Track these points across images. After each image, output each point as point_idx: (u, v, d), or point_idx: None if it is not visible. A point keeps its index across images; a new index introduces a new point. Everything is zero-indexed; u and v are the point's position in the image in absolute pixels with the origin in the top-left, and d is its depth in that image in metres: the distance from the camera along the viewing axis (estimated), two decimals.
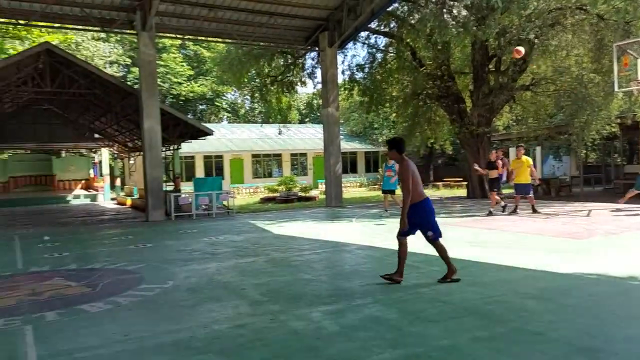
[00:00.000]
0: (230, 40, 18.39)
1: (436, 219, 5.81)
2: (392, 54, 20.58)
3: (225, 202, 16.38)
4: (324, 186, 21.02)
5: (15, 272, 7.46)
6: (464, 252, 7.30)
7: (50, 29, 21.63)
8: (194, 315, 4.78)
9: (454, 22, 16.02)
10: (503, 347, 3.69)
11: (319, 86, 19.83)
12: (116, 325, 4.54)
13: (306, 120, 49.70)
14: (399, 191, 7.63)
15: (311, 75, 21.99)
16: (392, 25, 19.84)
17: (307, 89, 33.69)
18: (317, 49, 18.61)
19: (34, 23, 15.62)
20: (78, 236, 11.87)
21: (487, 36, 14.62)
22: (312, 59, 21.40)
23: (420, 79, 18.45)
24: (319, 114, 33.05)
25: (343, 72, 21.60)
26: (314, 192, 24.39)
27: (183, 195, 15.71)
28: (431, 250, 5.96)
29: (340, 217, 14.05)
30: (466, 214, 13.13)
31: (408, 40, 18.66)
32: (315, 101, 24.55)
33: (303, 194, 22.49)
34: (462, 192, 22.26)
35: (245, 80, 22.01)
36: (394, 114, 25.42)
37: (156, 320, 4.70)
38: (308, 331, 4.21)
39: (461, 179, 27.14)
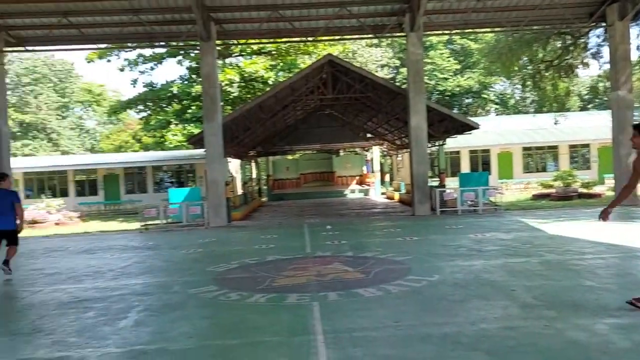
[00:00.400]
0: (499, 29, 17.62)
1: None
2: None
3: (492, 198, 15.78)
4: (612, 181, 18.21)
5: (305, 255, 8.70)
6: None
7: (331, 42, 24.46)
8: (461, 311, 4.75)
9: None
10: None
11: (606, 67, 17.28)
12: (387, 311, 4.85)
13: (589, 106, 43.90)
14: None
15: (596, 55, 19.37)
16: None
17: (590, 71, 29.70)
18: (603, 24, 16.23)
19: (319, 38, 17.91)
20: (353, 227, 13.11)
21: None
22: (598, 37, 18.77)
23: None
24: (605, 99, 28.77)
25: (638, 48, 18.32)
26: (598, 189, 21.35)
27: (448, 191, 15.75)
28: None
29: (635, 218, 11.97)
30: None
31: None
32: (601, 84, 21.44)
33: (584, 191, 19.91)
34: None
35: (516, 68, 20.76)
36: None
37: (423, 311, 4.84)
38: (591, 344, 3.72)
39: None
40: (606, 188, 22.09)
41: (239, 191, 23.24)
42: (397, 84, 32.13)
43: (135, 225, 16.01)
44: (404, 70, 37.49)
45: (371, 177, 30.13)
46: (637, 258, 7.05)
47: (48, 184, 30.65)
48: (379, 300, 5.32)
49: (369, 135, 27.39)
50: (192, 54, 26.00)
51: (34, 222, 19.82)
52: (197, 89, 24.33)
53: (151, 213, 15.28)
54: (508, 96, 47.31)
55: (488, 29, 18.97)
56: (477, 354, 3.65)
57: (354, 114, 25.24)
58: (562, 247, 8.09)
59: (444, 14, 16.15)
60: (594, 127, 31.07)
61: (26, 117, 48.58)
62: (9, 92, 31.88)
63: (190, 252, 9.84)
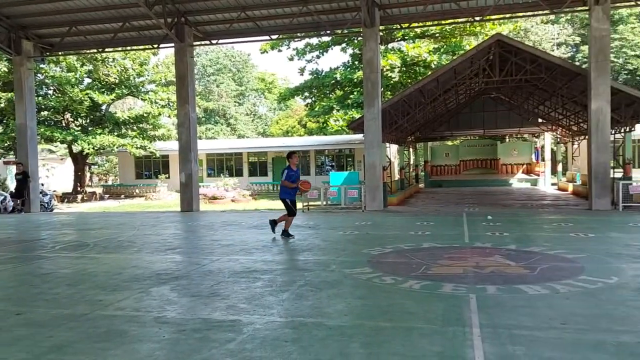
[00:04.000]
0: None
1: None
2: None
3: None
4: None
5: (463, 245, 8.42)
6: None
7: (501, 21, 22.93)
8: None
9: None
10: None
11: None
12: (553, 311, 4.49)
13: None
14: None
15: None
16: None
17: None
18: None
19: (488, 17, 16.90)
20: (518, 218, 12.28)
21: None
22: None
23: None
24: None
25: None
26: None
27: (635, 184, 13.84)
28: None
29: None
30: None
31: None
32: None
33: None
34: None
35: None
36: None
37: (597, 315, 4.37)
38: None
39: None
40: None
41: (396, 176, 23.29)
42: (577, 63, 28.97)
43: (299, 205, 17.08)
44: (585, 48, 33.62)
45: (540, 166, 27.83)
46: None
47: (226, 164, 34.22)
48: (545, 299, 4.93)
49: (539, 120, 25.24)
50: (356, 41, 26.55)
51: (214, 197, 22.37)
52: (358, 75, 24.84)
53: (313, 195, 16.16)
54: None
55: None
56: None
57: (523, 97, 23.48)
58: None
59: None
60: None
61: (210, 104, 54.69)
62: (196, 82, 36.14)
63: (347, 233, 10.20)
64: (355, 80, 25.87)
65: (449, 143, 34.65)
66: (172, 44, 17.27)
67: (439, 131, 27.82)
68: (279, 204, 20.07)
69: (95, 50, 21.55)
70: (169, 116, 32.34)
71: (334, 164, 32.38)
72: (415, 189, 25.06)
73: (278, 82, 60.23)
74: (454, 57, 20.87)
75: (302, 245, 8.76)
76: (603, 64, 13.52)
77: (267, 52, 28.69)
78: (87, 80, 30.59)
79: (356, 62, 27.17)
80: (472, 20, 17.62)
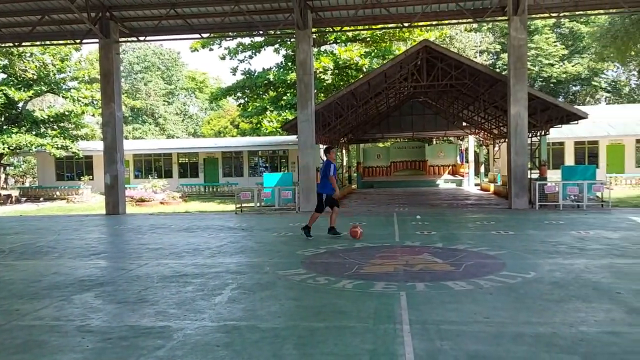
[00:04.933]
0: (615, 10, 16.09)
1: None
2: None
3: (598, 194, 14.63)
4: None
5: (393, 244, 8.65)
6: None
7: (428, 28, 23.81)
8: (558, 312, 4.49)
9: None
10: None
11: None
12: (477, 306, 4.71)
13: None
14: None
15: None
16: None
17: None
18: None
19: (416, 24, 17.49)
20: (444, 218, 12.79)
21: None
22: None
23: None
24: None
25: None
26: None
27: (549, 184, 14.85)
28: None
29: None
30: None
31: None
32: None
33: None
34: None
35: (632, 53, 18.93)
36: None
37: (517, 309, 4.64)
38: None
39: None
40: None
41: None
42: (497, 70, 30.61)
43: (231, 207, 16.84)
44: (504, 55, 35.62)
45: (465, 167, 29.16)
46: None
47: (154, 165, 33.08)
48: (470, 294, 5.17)
49: (464, 123, 26.46)
50: (289, 42, 26.58)
51: (141, 200, 21.55)
52: (292, 76, 24.88)
53: (246, 196, 15.99)
54: (622, 83, 43.31)
55: (602, 11, 17.38)
56: (573, 357, 3.44)
57: (449, 101, 24.50)
58: None
59: None
60: None
61: (137, 102, 52.65)
62: (122, 80, 34.68)
63: (281, 235, 10.19)
64: (288, 81, 25.89)
65: (380, 145, 35.51)
66: (97, 40, 16.49)
67: (370, 133, 28.44)
68: (210, 206, 19.71)
69: (11, 44, 20.13)
70: (93, 115, 30.79)
71: (267, 165, 32.23)
72: (348, 190, 25.45)
73: (209, 81, 59.04)
74: (384, 62, 21.41)
75: (235, 248, 8.64)
76: (521, 72, 14.40)
77: (197, 51, 28.05)
78: (1, 76, 28.49)
79: (289, 64, 27.20)
80: (402, 26, 18.18)
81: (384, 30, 24.66)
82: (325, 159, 9.79)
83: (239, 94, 29.82)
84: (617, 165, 27.81)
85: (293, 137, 21.98)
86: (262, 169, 31.48)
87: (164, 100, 56.83)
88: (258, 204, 15.94)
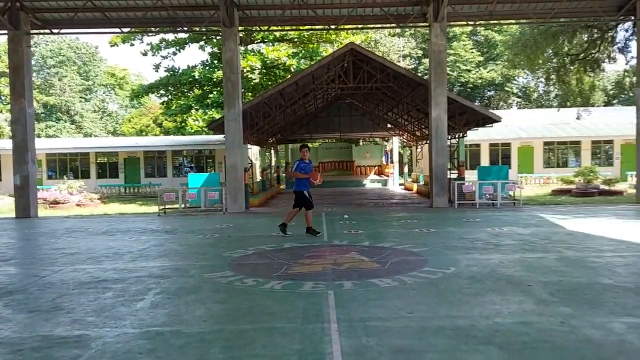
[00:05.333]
0: (525, 21, 17.28)
1: None
2: None
3: (511, 192, 15.61)
4: (634, 179, 17.85)
5: (322, 243, 8.74)
6: None
7: (354, 31, 24.27)
8: (475, 305, 4.74)
9: None
10: None
11: (633, 62, 16.84)
12: (401, 302, 4.86)
13: (614, 102, 42.98)
14: None
15: (624, 50, 18.96)
16: None
17: (616, 66, 29.04)
18: (632, 18, 15.80)
19: (342, 27, 17.78)
20: (371, 217, 13.10)
21: None
22: (626, 31, 18.34)
23: None
24: (631, 95, 28.09)
25: None
26: (621, 186, 20.96)
27: (467, 184, 15.64)
28: None
29: None
30: None
31: None
32: (627, 79, 20.96)
33: (606, 187, 19.59)
34: None
35: (540, 61, 20.39)
36: None
37: (438, 303, 4.84)
38: (607, 342, 3.68)
39: None
40: (628, 185, 21.69)
41: (258, 178, 23.38)
42: (419, 74, 31.81)
43: (154, 208, 16.25)
44: (426, 61, 37.08)
45: (390, 167, 30.03)
46: None
47: (70, 165, 31.21)
48: (394, 290, 5.33)
49: (389, 125, 27.24)
50: (215, 40, 26.07)
51: (55, 202, 20.25)
52: (218, 74, 24.43)
53: (170, 197, 15.48)
54: (531, 89, 46.53)
55: (513, 21, 18.59)
56: (490, 348, 3.64)
57: (375, 103, 25.11)
58: (581, 244, 7.98)
59: (469, 4, 15.90)
60: (618, 123, 30.44)
61: (50, 99, 49.39)
62: (34, 74, 32.38)
63: (207, 237, 9.96)
64: (214, 79, 25.38)
65: (309, 145, 35.78)
66: (5, 31, 15.29)
67: (299, 133, 28.54)
68: (132, 208, 18.88)
69: None
70: (1, 111, 28.50)
71: (193, 165, 31.40)
72: (277, 190, 25.39)
73: (130, 77, 56.62)
74: (312, 63, 21.58)
75: (158, 251, 8.34)
76: (441, 76, 15.07)
77: (117, 46, 26.74)
78: None
79: (215, 62, 26.67)
80: (328, 28, 18.42)
81: (311, 32, 24.85)
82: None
83: (162, 91, 28.82)
84: (527, 166, 29.84)
85: (220, 137, 21.56)
86: (187, 169, 30.63)
87: (80, 97, 53.72)
88: (183, 206, 15.50)
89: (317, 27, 18.50)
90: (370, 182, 29.81)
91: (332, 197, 21.35)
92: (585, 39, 19.32)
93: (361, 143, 34.74)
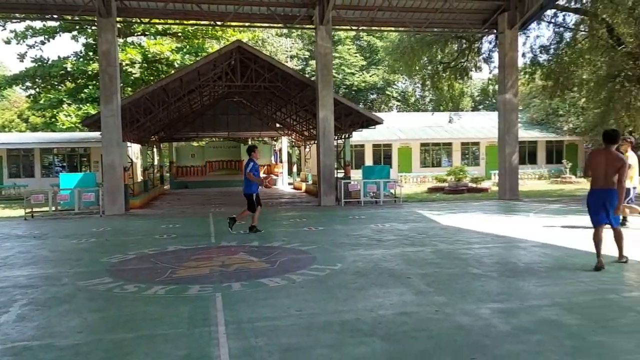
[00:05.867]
0: (403, 29, 18.33)
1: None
2: (583, 33, 18.43)
3: (392, 191, 16.50)
4: (497, 177, 19.83)
5: (209, 245, 8.53)
6: None
7: (241, 28, 24.01)
8: (360, 299, 4.93)
9: None
10: None
11: (496, 71, 18.69)
12: (290, 301, 4.90)
13: (480, 107, 47.33)
14: None
15: (488, 60, 20.89)
16: (584, 1, 17.72)
17: (482, 75, 32.06)
18: (495, 31, 17.52)
19: (228, 23, 17.47)
20: (260, 216, 13.04)
21: None
22: (489, 43, 20.28)
23: (618, 59, 16.23)
24: (494, 101, 31.16)
25: (524, 55, 20.04)
26: (486, 184, 23.16)
27: (352, 183, 16.23)
28: (631, 255, 5.23)
29: (515, 211, 13.13)
30: None
31: (604, 16, 16.49)
32: (491, 87, 23.22)
33: (474, 185, 21.53)
34: None
35: (417, 67, 21.78)
36: (583, 99, 22.81)
37: (326, 299, 4.95)
38: (475, 328, 4.04)
39: None
40: (492, 183, 24.03)
41: (139, 178, 22.17)
42: (307, 75, 32.36)
43: (20, 212, 14.72)
44: (313, 62, 37.84)
45: (279, 167, 30.18)
46: (517, 247, 7.75)
47: None
48: (283, 289, 5.36)
49: (277, 125, 27.37)
50: (90, 30, 24.25)
51: None
52: (94, 67, 22.76)
53: (38, 199, 14.10)
54: (409, 94, 49.57)
55: (392, 28, 19.68)
56: (374, 339, 3.81)
57: (263, 103, 25.08)
58: (453, 237, 8.68)
59: (352, 10, 16.51)
60: (484, 126, 33.66)
61: None
62: None
63: (82, 241, 9.23)
64: (90, 72, 23.57)
65: (195, 144, 34.70)
66: None
67: (184, 131, 27.56)
68: None
69: None
70: None
71: (65, 164, 28.90)
72: (160, 191, 24.27)
73: None
74: (197, 59, 20.94)
75: (24, 259, 7.55)
76: (327, 78, 15.48)
77: None
78: None
79: (91, 53, 24.79)
80: (214, 24, 17.99)
81: (196, 27, 24.12)
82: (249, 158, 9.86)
83: (28, 84, 26.13)
84: (406, 166, 31.77)
85: (96, 134, 20.08)
86: (59, 169, 28.13)
87: None
88: (54, 208, 14.21)
89: (203, 22, 17.99)
90: None
91: (220, 197, 20.95)
92: (456, 48, 21.03)
93: (250, 142, 34.50)
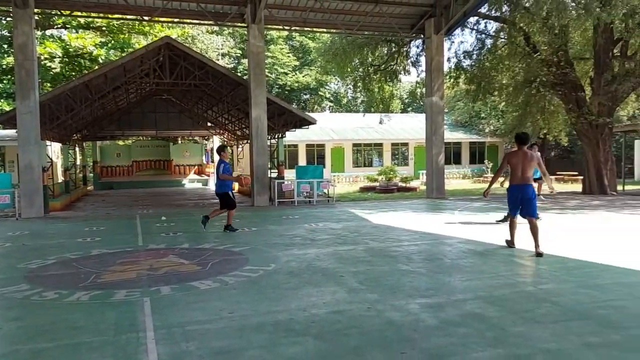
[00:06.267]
0: (335, 30, 18.55)
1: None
2: (503, 40, 19.52)
3: (325, 190, 16.67)
4: (425, 177, 20.56)
5: (137, 248, 8.21)
6: (577, 252, 6.81)
7: (170, 24, 23.34)
8: (294, 299, 4.94)
9: (573, 4, 14.78)
10: (618, 356, 3.39)
11: (423, 74, 19.37)
12: (223, 303, 4.83)
13: (409, 109, 48.87)
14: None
15: (415, 64, 21.56)
16: (504, 9, 18.76)
17: (410, 78, 33.19)
18: (422, 36, 18.17)
19: (156, 19, 16.93)
20: (191, 217, 12.75)
21: (613, 17, 13.32)
22: (417, 47, 20.98)
23: (534, 65, 17.32)
24: (422, 103, 32.33)
25: (449, 60, 20.92)
26: (414, 183, 23.97)
27: (286, 182, 16.24)
28: (545, 249, 5.61)
29: (442, 209, 13.68)
30: (581, 211, 12.17)
31: (521, 24, 17.57)
32: (418, 90, 24.04)
33: (403, 185, 22.21)
34: (578, 187, 20.62)
35: (349, 69, 22.13)
36: (503, 103, 24.16)
37: (258, 300, 4.92)
38: (405, 322, 4.17)
39: (576, 173, 25.12)
40: (420, 182, 24.91)
41: (60, 178, 20.96)
42: (239, 74, 31.98)
43: None
44: (245, 61, 37.42)
45: (211, 167, 29.59)
46: (444, 244, 8.08)
47: None
48: (215, 292, 5.27)
49: (209, 124, 26.83)
50: (4, 21, 22.62)
51: None
52: (9, 60, 21.28)
53: None
54: (342, 95, 50.31)
55: (324, 30, 19.86)
56: (307, 339, 3.83)
57: (194, 101, 24.50)
58: (384, 236, 8.91)
59: (285, 10, 16.52)
60: (412, 128, 34.81)
61: None
62: None
63: None
64: (4, 66, 22.02)
65: (121, 143, 33.31)
66: None
67: (109, 130, 26.37)
68: None
69: None
70: None
71: None
72: (83, 192, 23.06)
73: None
74: (123, 54, 20.10)
75: None
76: (260, 77, 15.37)
77: None
78: None
79: (5, 46, 23.16)
80: (141, 19, 17.34)
81: (122, 22, 23.17)
82: (219, 159, 9.94)
83: None
84: (339, 166, 32.23)
85: (11, 132, 18.75)
86: None
87: None
88: None
89: (129, 17, 17.27)
90: (190, 182, 29.01)
91: (148, 198, 20.23)
92: (386, 51, 21.57)
93: (180, 141, 33.57)
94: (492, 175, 9.07)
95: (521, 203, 6.92)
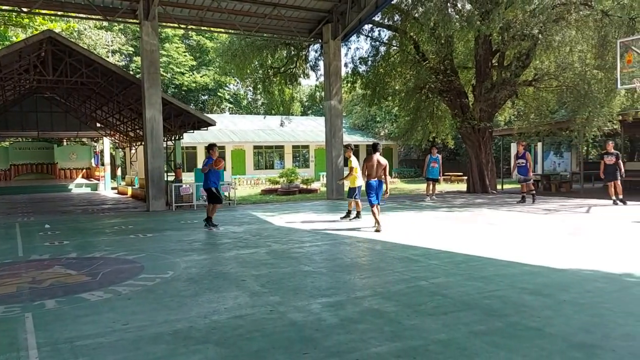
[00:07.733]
0: (233, 31, 18.33)
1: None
2: (395, 48, 20.53)
3: (226, 193, 16.41)
4: (325, 179, 21.00)
5: (16, 259, 7.49)
6: (464, 247, 7.34)
7: (53, 17, 21.60)
8: (194, 306, 4.80)
9: (457, 16, 15.96)
10: (500, 342, 3.71)
11: (322, 78, 19.79)
12: (116, 314, 4.56)
13: (308, 112, 49.62)
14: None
15: (314, 68, 21.96)
16: (395, 19, 19.78)
17: (310, 81, 33.78)
18: (320, 41, 18.55)
19: (37, 11, 15.59)
20: (79, 225, 11.90)
21: (491, 30, 14.59)
22: (316, 51, 21.36)
23: (423, 73, 18.41)
24: (321, 107, 33.03)
25: (346, 65, 21.54)
26: (315, 185, 24.38)
27: (184, 186, 15.74)
28: (431, 244, 5.97)
29: (342, 209, 14.05)
30: (467, 209, 13.15)
31: (411, 33, 18.62)
32: (318, 93, 24.52)
33: (304, 186, 22.50)
34: (463, 186, 22.28)
35: (248, 71, 21.96)
36: (396, 108, 25.40)
37: (156, 310, 4.72)
38: (307, 323, 4.23)
39: (462, 174, 27.16)
40: (320, 184, 25.41)
41: None
42: (132, 72, 30.41)
43: None
44: (138, 59, 35.71)
45: (101, 170, 27.82)
46: (344, 244, 8.31)
47: None
48: (107, 303, 4.96)
49: (98, 124, 25.21)
50: None
51: None
52: None
53: None
54: (242, 97, 49.81)
55: (222, 30, 19.52)
56: (207, 346, 3.74)
57: (81, 100, 22.92)
58: (286, 237, 8.96)
59: (180, 8, 16.01)
60: (312, 130, 35.43)
61: None
62: None
63: None
64: None
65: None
66: None
67: None
68: None
69: None
70: None
71: None
72: None
73: None
74: None
75: None
76: (154, 76, 14.74)
77: None
78: None
79: None
80: (19, 10, 15.84)
81: None
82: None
83: None
84: (240, 168, 31.88)
85: None
86: None
87: None
88: None
89: (5, 7, 15.70)
90: (77, 187, 27.04)
91: (29, 205, 18.53)
92: (285, 55, 21.72)
93: (65, 143, 31.16)
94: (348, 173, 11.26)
95: (376, 192, 9.35)
